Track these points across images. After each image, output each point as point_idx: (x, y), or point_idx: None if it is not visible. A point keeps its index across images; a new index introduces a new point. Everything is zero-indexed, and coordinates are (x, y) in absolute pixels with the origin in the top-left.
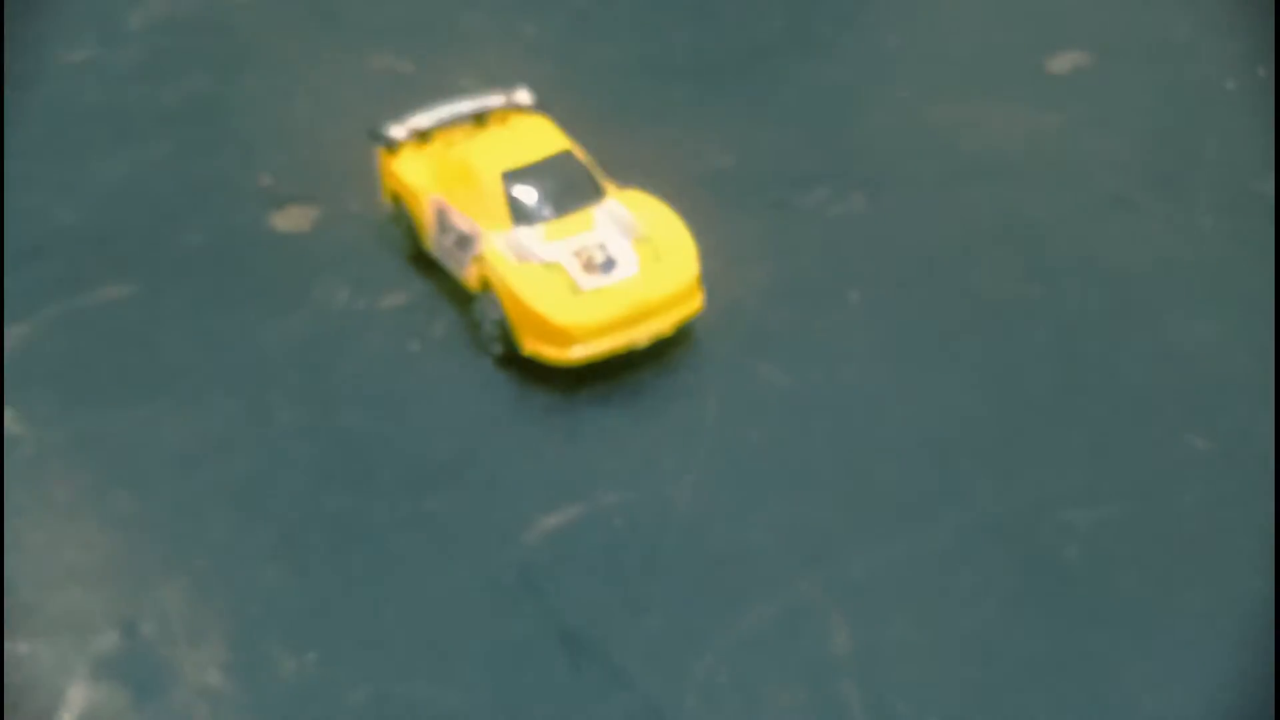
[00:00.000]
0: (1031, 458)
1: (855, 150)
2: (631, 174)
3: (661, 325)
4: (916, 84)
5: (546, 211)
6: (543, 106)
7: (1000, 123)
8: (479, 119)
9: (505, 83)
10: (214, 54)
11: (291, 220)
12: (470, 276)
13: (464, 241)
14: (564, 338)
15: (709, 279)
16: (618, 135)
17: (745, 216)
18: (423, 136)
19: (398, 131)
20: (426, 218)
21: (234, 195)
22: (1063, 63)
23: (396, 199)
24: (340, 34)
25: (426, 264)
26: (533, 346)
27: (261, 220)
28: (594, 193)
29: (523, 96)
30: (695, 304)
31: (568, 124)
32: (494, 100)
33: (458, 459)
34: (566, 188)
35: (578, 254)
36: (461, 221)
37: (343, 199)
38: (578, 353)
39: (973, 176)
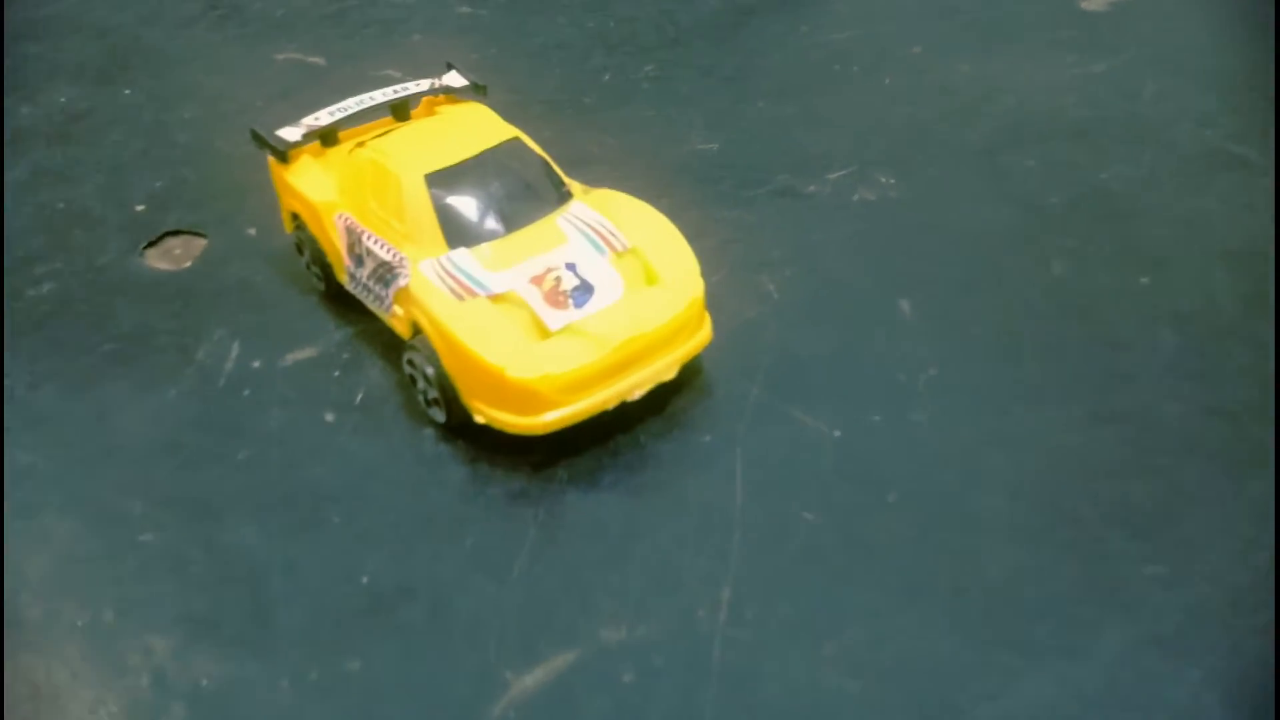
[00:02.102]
0: (1200, 539)
1: (869, 121)
2: (597, 170)
3: (660, 368)
4: (930, 37)
5: (493, 225)
6: (481, 93)
7: (1040, 75)
8: (397, 111)
9: (435, 71)
10: (83, 59)
11: (169, 257)
12: (396, 319)
13: (384, 273)
14: (529, 399)
15: (712, 296)
16: (577, 124)
17: (745, 211)
18: (324, 139)
19: (290, 134)
20: (335, 244)
21: (98, 229)
22: None
23: (298, 221)
24: (237, 26)
25: (344, 303)
26: (486, 413)
27: (131, 259)
28: (555, 195)
29: (453, 79)
30: (702, 334)
31: (515, 115)
32: (415, 86)
33: (389, 589)
34: (518, 190)
35: (539, 280)
36: (378, 246)
37: (235, 225)
38: (550, 419)
39: (1021, 142)
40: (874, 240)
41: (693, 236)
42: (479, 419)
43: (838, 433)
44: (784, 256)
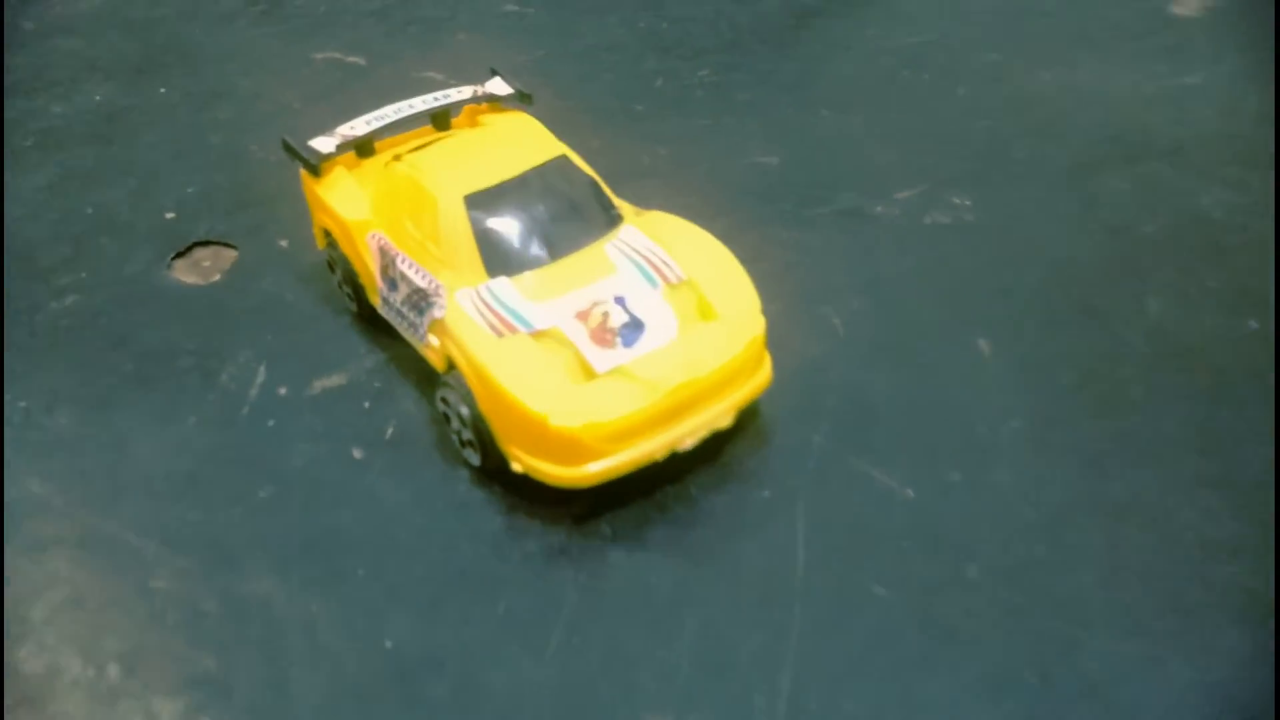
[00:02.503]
0: None
1: (941, 135)
2: (648, 184)
3: (716, 414)
4: (1007, 42)
5: (536, 251)
6: (527, 102)
7: (1128, 86)
8: (437, 121)
9: (481, 75)
10: (118, 57)
11: (197, 269)
12: (431, 350)
13: (418, 299)
14: (571, 449)
15: (771, 330)
16: (627, 133)
17: (807, 233)
18: (359, 149)
19: (323, 144)
20: (368, 264)
21: (126, 237)
22: (1189, 2)
23: (330, 238)
24: (277, 22)
25: (377, 326)
26: (524, 461)
27: (158, 270)
28: (604, 218)
29: (497, 86)
30: (761, 375)
31: (562, 122)
32: (457, 94)
33: (414, 657)
34: (564, 213)
35: (585, 315)
36: (413, 271)
37: (267, 236)
38: (594, 470)
39: (1109, 161)
40: (948, 269)
41: (750, 260)
42: (516, 467)
43: (911, 492)
44: (849, 285)
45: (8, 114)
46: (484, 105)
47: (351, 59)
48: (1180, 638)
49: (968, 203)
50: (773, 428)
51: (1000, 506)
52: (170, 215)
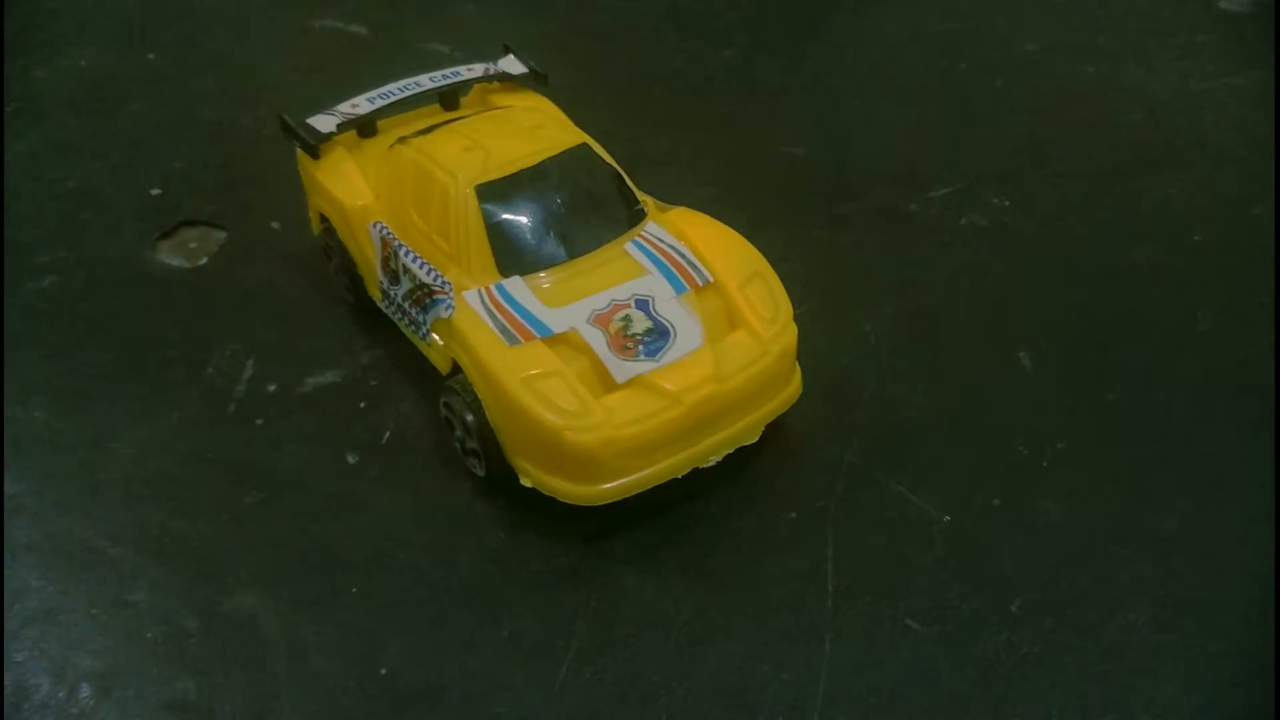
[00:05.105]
0: None
1: (979, 131)
2: (667, 174)
3: (742, 430)
4: (1047, 34)
5: (553, 249)
6: (542, 82)
7: (1174, 86)
8: (446, 100)
9: (490, 49)
10: (105, 20)
11: (183, 251)
12: (434, 350)
13: (422, 296)
14: (587, 465)
15: (799, 337)
16: (645, 118)
17: (837, 232)
18: (362, 129)
19: (323, 123)
20: (368, 255)
21: (109, 214)
22: None
23: (326, 223)
24: None
25: (375, 318)
26: (534, 474)
27: (142, 251)
28: (627, 214)
29: (510, 64)
30: (791, 388)
31: (575, 104)
32: (468, 72)
33: (412, 686)
34: (584, 207)
35: (605, 320)
36: (417, 265)
37: (258, 216)
38: (611, 488)
39: (1156, 164)
40: (987, 274)
41: (775, 259)
42: (525, 482)
43: (948, 517)
44: (882, 290)
45: None
46: (496, 84)
47: (353, 28)
48: (1243, 688)
49: (1006, 203)
50: (800, 444)
51: (1044, 537)
52: (156, 192)
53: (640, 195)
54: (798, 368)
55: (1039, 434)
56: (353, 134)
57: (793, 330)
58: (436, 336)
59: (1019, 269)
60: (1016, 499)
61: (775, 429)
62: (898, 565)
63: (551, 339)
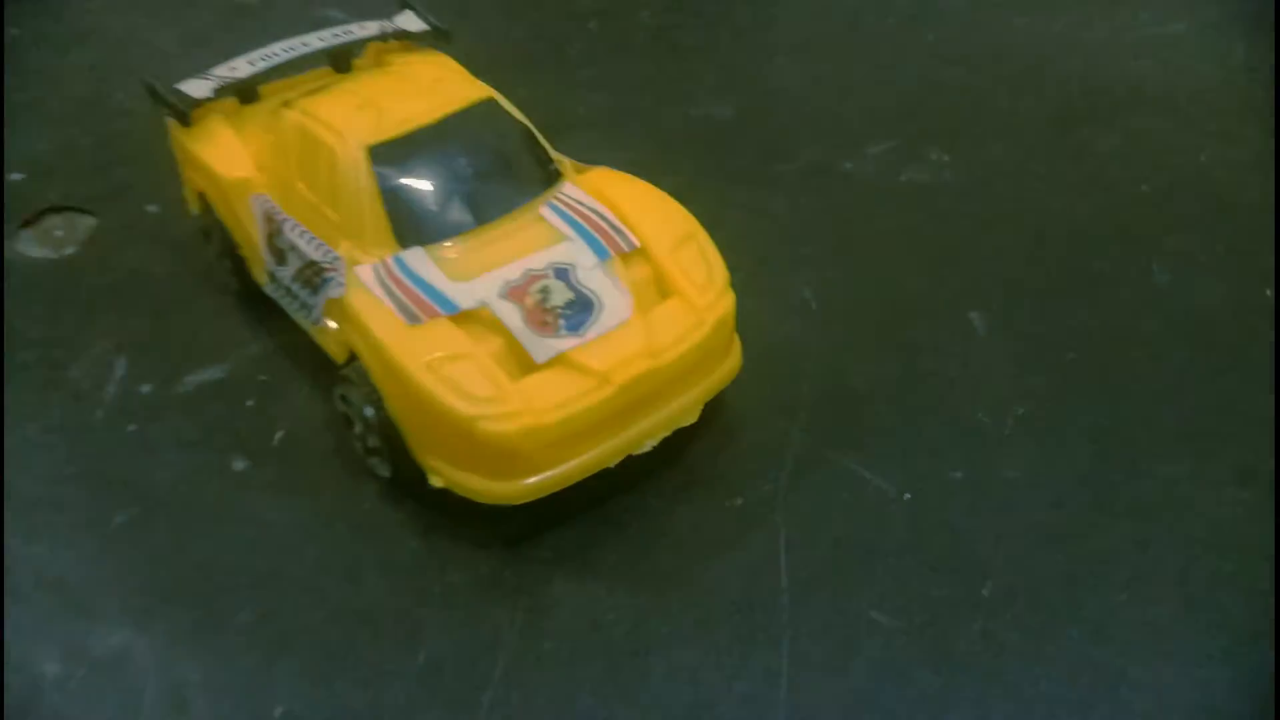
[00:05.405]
0: None
1: (912, 86)
2: (584, 138)
3: (678, 410)
4: None
5: (458, 215)
6: (444, 40)
7: (1109, 34)
8: (336, 61)
9: (389, 10)
10: None
11: (48, 240)
12: (327, 337)
13: (312, 275)
14: (507, 459)
15: (737, 306)
16: (558, 81)
17: (770, 193)
18: (241, 95)
19: (196, 88)
20: (250, 233)
21: None
22: None
23: (205, 202)
24: None
25: (264, 307)
26: (447, 473)
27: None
28: (541, 175)
29: (408, 21)
30: (730, 362)
31: (482, 68)
32: (360, 30)
33: None
34: (492, 168)
35: (520, 293)
36: (305, 241)
37: (133, 200)
38: (534, 483)
39: (1096, 114)
40: (931, 233)
41: (707, 225)
42: (436, 482)
43: (909, 495)
44: (821, 253)
45: None
46: (393, 44)
47: None
48: (1235, 664)
49: (946, 159)
50: (742, 420)
51: (1012, 509)
52: (17, 176)
53: (555, 155)
54: (737, 339)
55: (997, 399)
56: (232, 100)
57: (730, 297)
58: (329, 320)
59: (963, 226)
60: (980, 470)
61: (714, 407)
62: (857, 552)
63: (459, 316)
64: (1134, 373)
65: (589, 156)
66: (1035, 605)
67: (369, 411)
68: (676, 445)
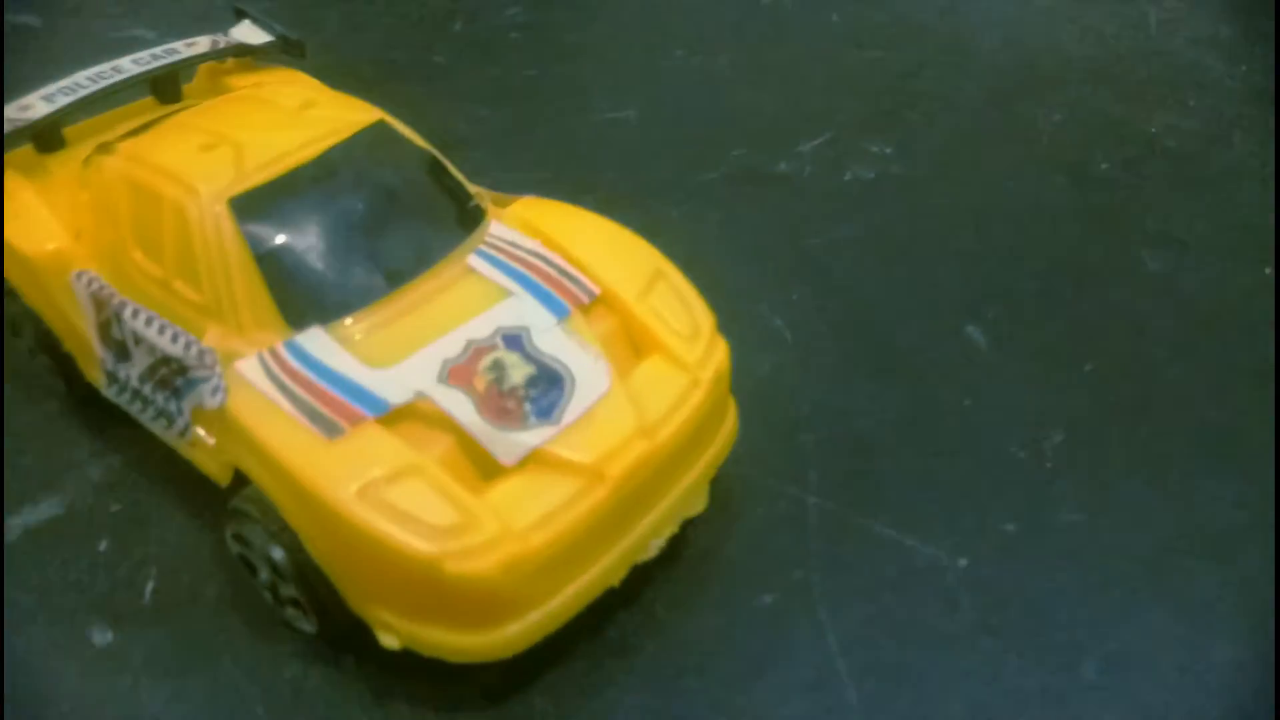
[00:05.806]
0: None
1: (828, 73)
2: (473, 158)
3: (684, 497)
4: None
5: (363, 280)
6: (297, 53)
7: (1025, 7)
8: (160, 89)
9: (210, 27)
10: None
11: None
12: (201, 453)
13: (169, 374)
14: (483, 604)
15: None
16: (428, 93)
17: (701, 206)
18: (39, 140)
19: None
20: (74, 321)
21: None
22: None
23: (7, 286)
24: None
25: (103, 412)
26: (402, 628)
27: None
28: (460, 215)
29: (247, 33)
30: (727, 426)
31: (337, 85)
32: (189, 49)
33: None
34: (398, 213)
35: (465, 374)
36: (154, 330)
37: None
38: (519, 629)
39: (1033, 90)
40: (894, 236)
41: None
42: (388, 642)
43: (964, 561)
44: (778, 271)
45: None
46: (230, 62)
47: (21, 19)
48: None
49: (889, 151)
50: (746, 496)
51: (1085, 560)
52: None
53: (470, 187)
54: (731, 397)
55: (1025, 426)
56: (27, 149)
57: (723, 345)
58: (202, 432)
59: (926, 225)
60: (1034, 518)
61: (713, 482)
62: (926, 642)
63: (391, 415)
64: (1160, 378)
65: (484, 181)
66: (1147, 679)
67: (277, 554)
68: (673, 538)
